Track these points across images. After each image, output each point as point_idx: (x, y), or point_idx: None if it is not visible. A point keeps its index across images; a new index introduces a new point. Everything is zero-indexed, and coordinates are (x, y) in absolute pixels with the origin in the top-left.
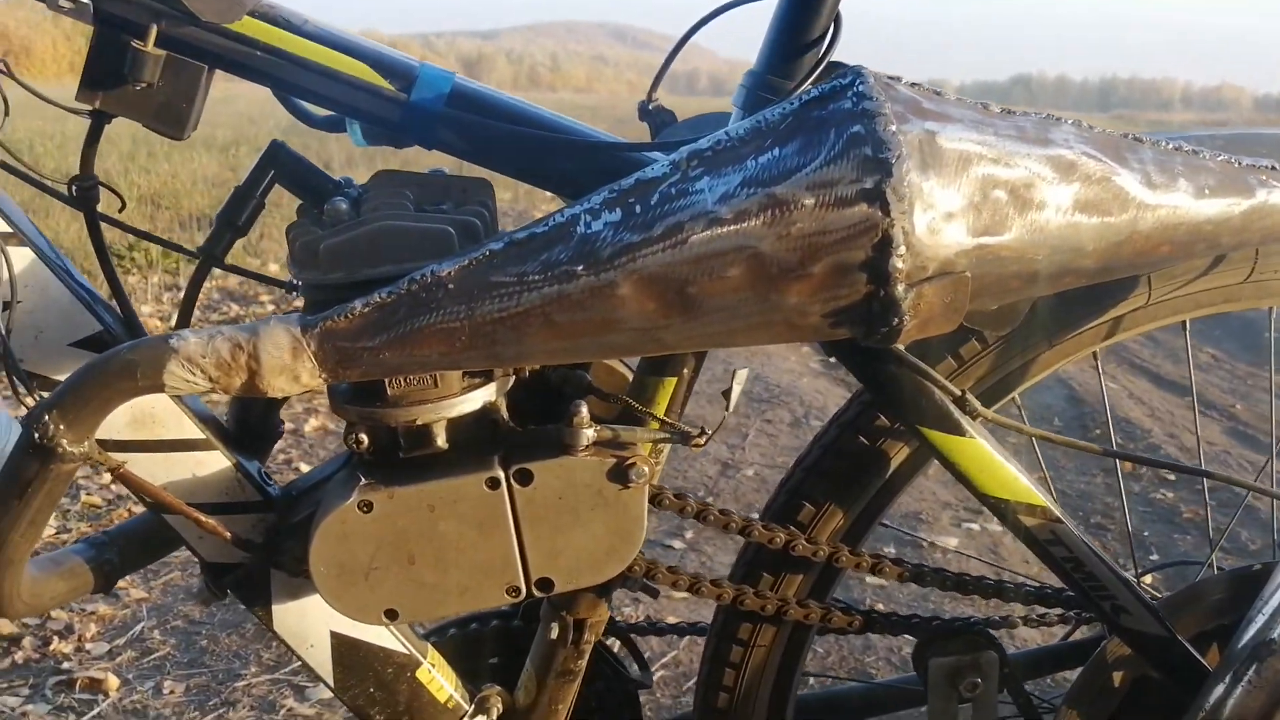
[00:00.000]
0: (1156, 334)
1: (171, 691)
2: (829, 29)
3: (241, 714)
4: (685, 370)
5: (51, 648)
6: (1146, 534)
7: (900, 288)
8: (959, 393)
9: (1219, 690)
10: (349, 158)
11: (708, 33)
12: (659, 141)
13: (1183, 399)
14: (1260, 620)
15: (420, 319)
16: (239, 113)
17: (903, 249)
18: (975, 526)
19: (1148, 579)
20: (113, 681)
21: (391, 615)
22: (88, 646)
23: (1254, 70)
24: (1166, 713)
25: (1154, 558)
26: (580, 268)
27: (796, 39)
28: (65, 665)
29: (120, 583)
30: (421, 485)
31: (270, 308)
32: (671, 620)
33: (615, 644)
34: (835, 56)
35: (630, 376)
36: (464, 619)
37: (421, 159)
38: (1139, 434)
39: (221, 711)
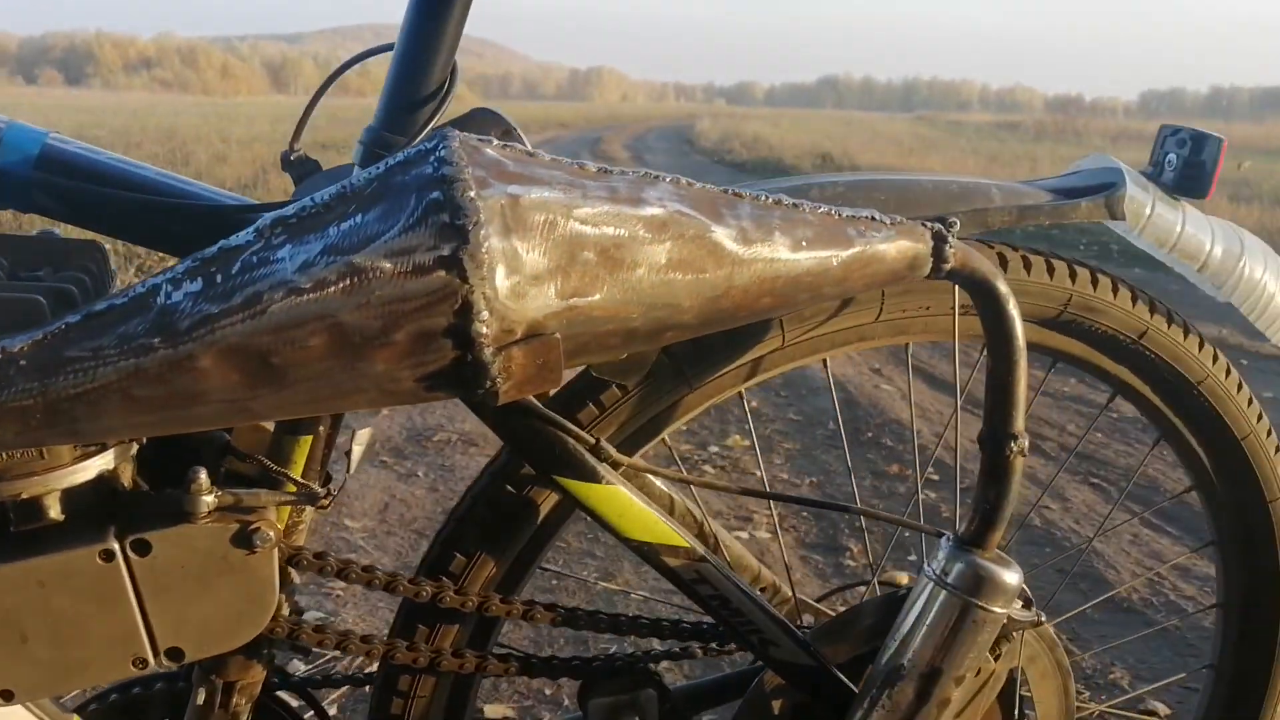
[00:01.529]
0: None
1: None
2: (445, 82)
3: None
4: (321, 428)
5: None
6: (908, 535)
7: (488, 352)
8: (593, 441)
9: (858, 714)
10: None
11: (520, 36)
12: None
13: (953, 399)
14: (893, 646)
15: None
16: None
17: (485, 314)
18: (744, 535)
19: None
20: None
21: (7, 696)
22: None
23: (1045, 72)
24: None
25: (911, 558)
26: (157, 340)
27: (411, 93)
28: None
29: None
30: (29, 561)
31: None
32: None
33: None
34: (454, 111)
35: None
36: (127, 682)
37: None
38: (908, 434)
39: None
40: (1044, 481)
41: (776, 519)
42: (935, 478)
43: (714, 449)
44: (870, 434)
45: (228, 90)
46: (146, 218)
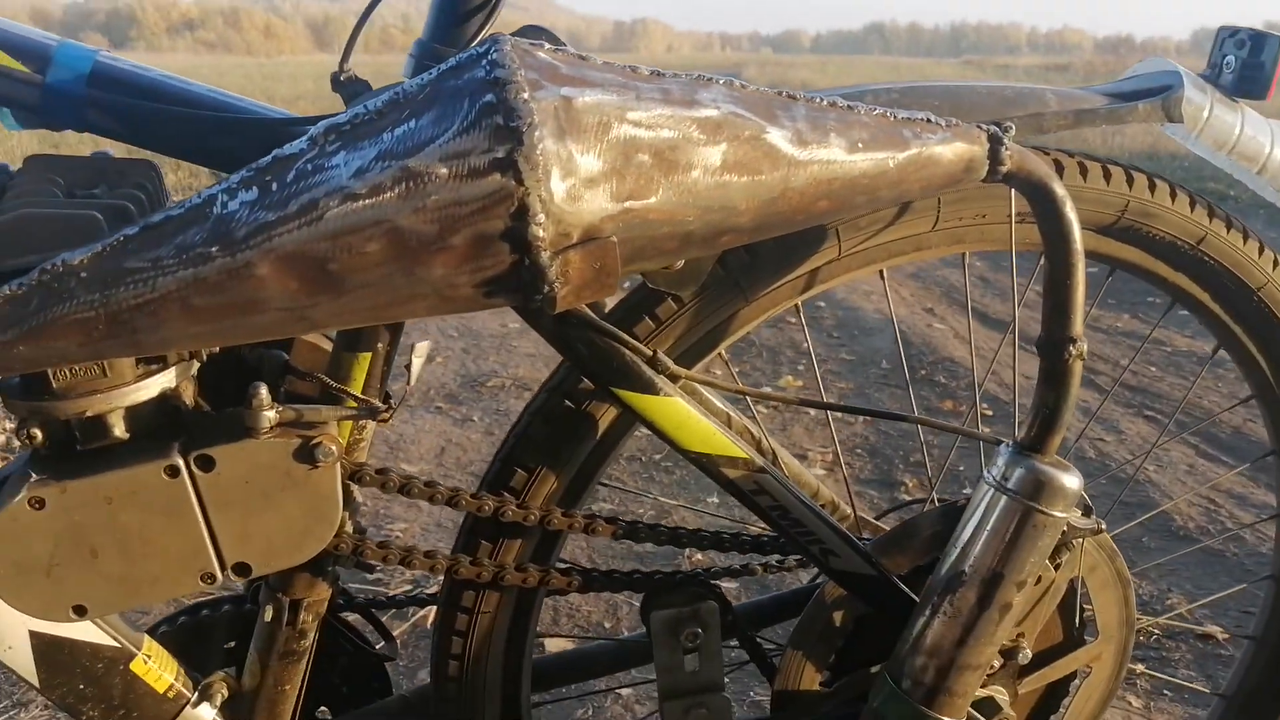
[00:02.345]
0: (987, 275)
1: None
2: None
3: (34, 713)
4: (380, 345)
5: None
6: (962, 468)
7: (545, 255)
8: (650, 353)
9: (920, 621)
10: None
11: None
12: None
13: (1005, 335)
14: (954, 553)
15: (54, 310)
16: None
17: (541, 217)
18: None
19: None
20: None
21: (80, 611)
22: None
23: (1094, 13)
24: (891, 646)
25: (967, 491)
26: (215, 249)
27: (459, 5)
28: None
29: None
30: (96, 478)
31: None
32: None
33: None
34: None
35: None
36: (196, 605)
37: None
38: (962, 372)
39: (13, 714)
40: (1100, 417)
41: (834, 432)
42: (989, 413)
43: (766, 390)
44: (924, 372)
45: (271, 50)
46: (198, 133)
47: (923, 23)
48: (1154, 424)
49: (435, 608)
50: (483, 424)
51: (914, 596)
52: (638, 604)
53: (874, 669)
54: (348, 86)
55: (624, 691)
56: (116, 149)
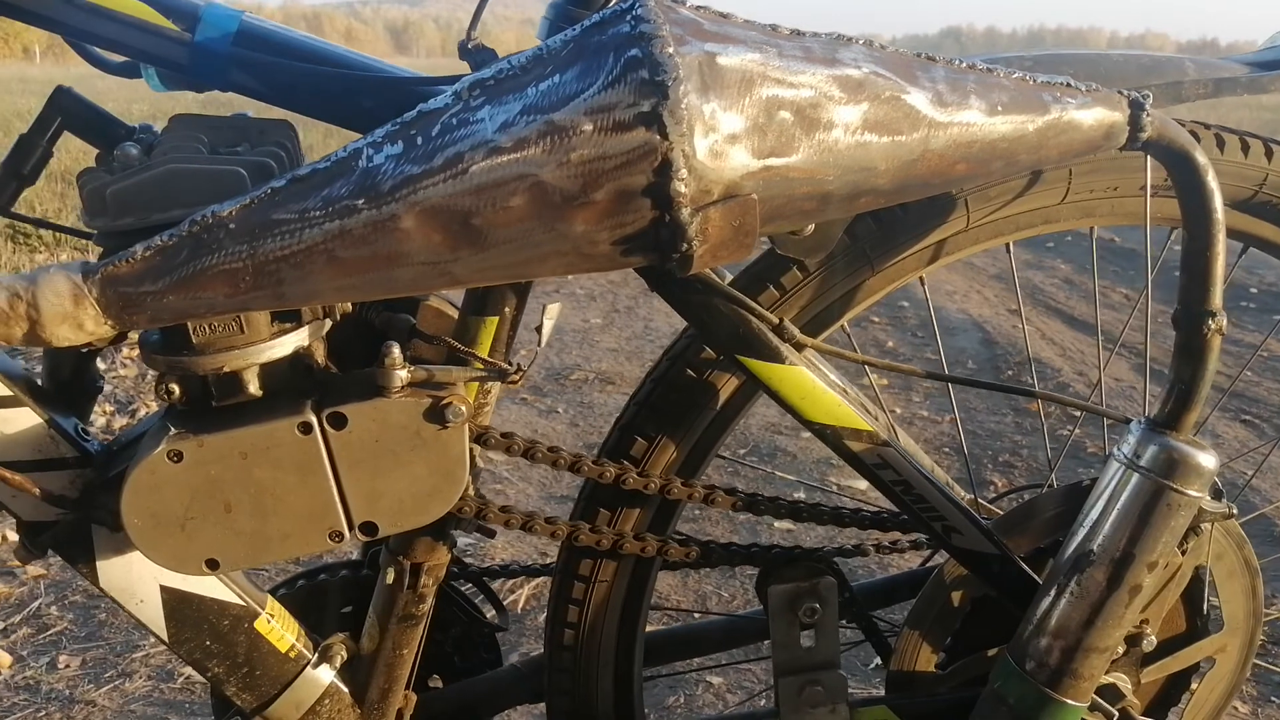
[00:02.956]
0: (1073, 278)
1: (67, 665)
2: None
3: (138, 684)
4: (507, 309)
5: None
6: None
7: (685, 212)
8: (777, 321)
9: (1045, 602)
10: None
11: None
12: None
13: (1093, 338)
14: (1082, 533)
15: (203, 260)
16: None
17: (684, 172)
18: None
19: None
20: (4, 659)
21: (213, 565)
22: None
23: (1176, 17)
24: (1008, 629)
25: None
26: (361, 201)
27: None
28: None
29: (15, 560)
30: (232, 432)
31: None
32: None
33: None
34: None
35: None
36: (313, 569)
37: (237, 103)
38: (1049, 373)
39: (118, 683)
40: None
41: (955, 406)
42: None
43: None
44: (1010, 372)
45: None
46: (337, 93)
47: (1000, 27)
48: (1251, 428)
49: (521, 592)
50: (567, 415)
51: (1036, 578)
52: (726, 595)
53: (991, 652)
54: (475, 54)
55: (715, 680)
56: (256, 112)
